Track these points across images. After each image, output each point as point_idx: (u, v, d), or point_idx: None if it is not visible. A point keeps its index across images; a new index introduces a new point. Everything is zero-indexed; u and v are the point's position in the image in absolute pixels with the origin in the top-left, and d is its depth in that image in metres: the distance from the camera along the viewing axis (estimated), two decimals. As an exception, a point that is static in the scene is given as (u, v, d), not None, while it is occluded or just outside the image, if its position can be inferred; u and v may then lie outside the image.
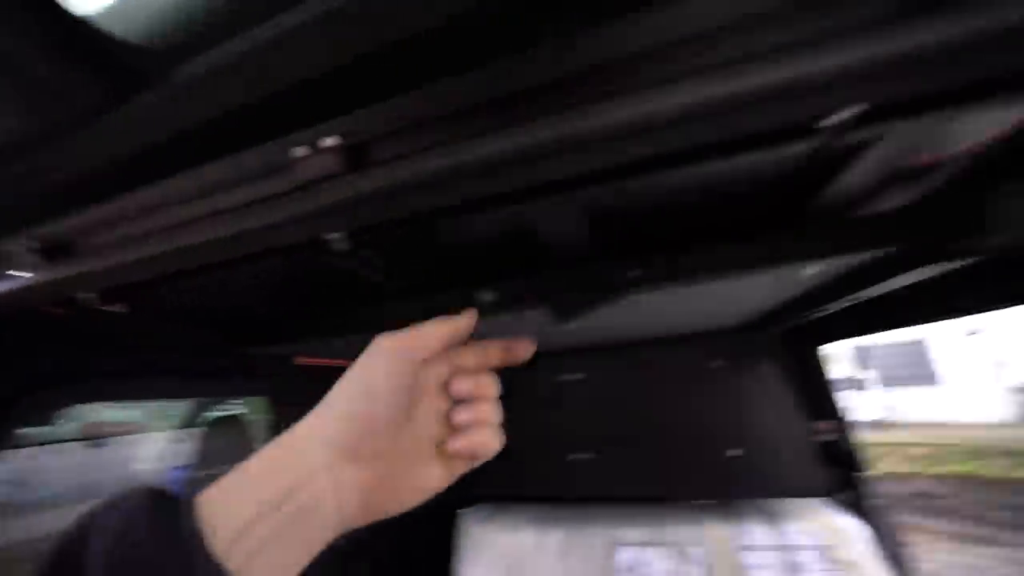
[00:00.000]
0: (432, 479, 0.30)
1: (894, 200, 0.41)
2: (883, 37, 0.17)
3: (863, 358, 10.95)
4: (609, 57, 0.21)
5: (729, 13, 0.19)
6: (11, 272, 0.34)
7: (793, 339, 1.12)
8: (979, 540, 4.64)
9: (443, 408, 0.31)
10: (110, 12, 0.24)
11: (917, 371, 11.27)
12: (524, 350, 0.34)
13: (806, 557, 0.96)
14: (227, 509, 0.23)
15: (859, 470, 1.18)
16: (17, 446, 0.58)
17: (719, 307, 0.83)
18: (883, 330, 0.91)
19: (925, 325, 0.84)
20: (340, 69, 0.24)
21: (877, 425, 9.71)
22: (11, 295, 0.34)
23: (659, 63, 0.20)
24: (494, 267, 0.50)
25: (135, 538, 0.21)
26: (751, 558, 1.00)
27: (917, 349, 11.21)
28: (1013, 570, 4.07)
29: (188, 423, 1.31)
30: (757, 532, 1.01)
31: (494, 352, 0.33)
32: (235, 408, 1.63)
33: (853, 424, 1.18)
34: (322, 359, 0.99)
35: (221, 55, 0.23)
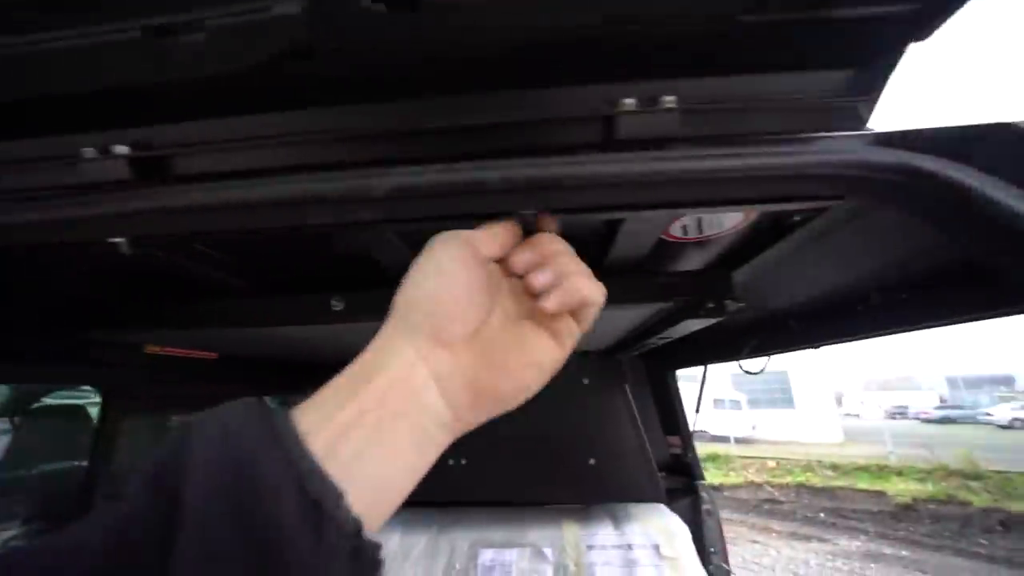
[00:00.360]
0: (543, 352, 0.27)
1: (687, 264, 0.52)
2: (553, 164, 0.23)
3: (737, 382, 12.64)
4: (402, 128, 0.25)
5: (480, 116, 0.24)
6: None
7: (650, 362, 1.28)
8: (806, 538, 5.60)
9: (520, 285, 0.28)
10: None
11: (779, 396, 13.31)
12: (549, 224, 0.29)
13: (641, 554, 1.10)
14: (323, 415, 0.21)
15: (697, 479, 1.38)
16: None
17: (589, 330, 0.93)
18: (702, 363, 1.10)
19: (716, 363, 1.03)
20: (156, 86, 0.25)
21: (742, 440, 11.25)
22: None
23: (443, 142, 0.25)
24: (346, 278, 0.52)
25: (236, 441, 0.20)
26: (596, 556, 1.11)
27: (782, 377, 13.25)
28: (825, 560, 4.97)
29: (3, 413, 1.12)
30: (602, 533, 1.14)
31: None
32: (80, 396, 1.41)
33: (694, 439, 1.38)
34: (178, 349, 0.91)
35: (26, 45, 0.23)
